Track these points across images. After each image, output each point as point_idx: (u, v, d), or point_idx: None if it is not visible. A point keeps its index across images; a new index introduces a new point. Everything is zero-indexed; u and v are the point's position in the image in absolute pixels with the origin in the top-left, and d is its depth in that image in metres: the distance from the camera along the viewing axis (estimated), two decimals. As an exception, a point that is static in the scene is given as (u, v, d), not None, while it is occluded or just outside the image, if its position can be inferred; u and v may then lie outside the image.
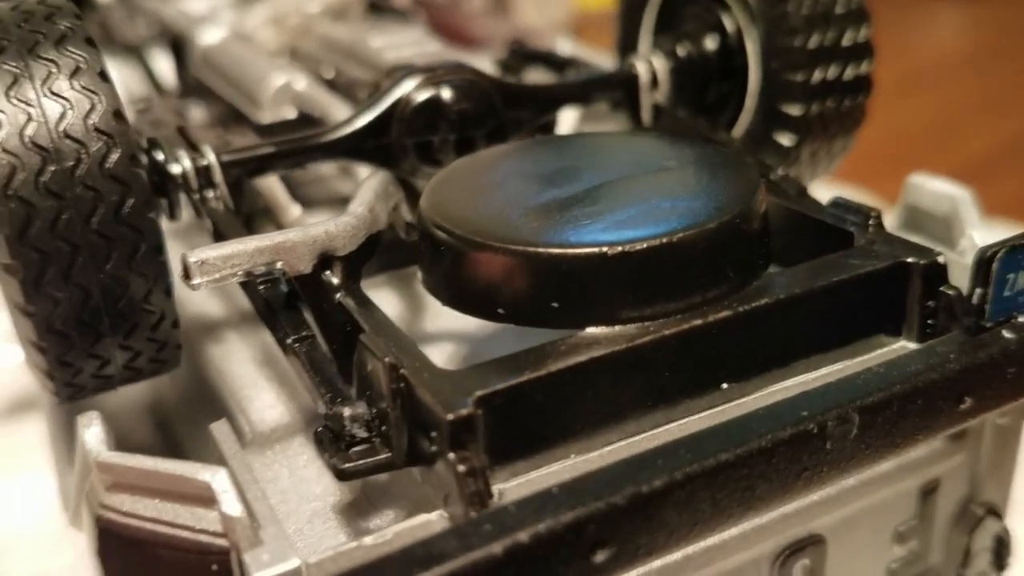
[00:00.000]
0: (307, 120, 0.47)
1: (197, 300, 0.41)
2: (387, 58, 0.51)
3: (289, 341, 0.30)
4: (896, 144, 1.09)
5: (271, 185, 0.39)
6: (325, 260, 0.31)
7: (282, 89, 0.48)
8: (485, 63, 0.49)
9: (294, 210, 0.40)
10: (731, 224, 0.29)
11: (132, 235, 0.30)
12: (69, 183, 0.29)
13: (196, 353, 0.40)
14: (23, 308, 0.29)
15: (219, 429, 0.29)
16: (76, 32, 0.31)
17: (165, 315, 0.32)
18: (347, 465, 0.26)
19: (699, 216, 0.29)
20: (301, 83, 0.48)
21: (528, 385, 0.26)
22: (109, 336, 0.31)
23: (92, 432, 0.28)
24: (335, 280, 0.31)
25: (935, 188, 0.39)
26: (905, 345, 0.31)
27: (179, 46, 0.63)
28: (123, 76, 0.63)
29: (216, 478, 0.25)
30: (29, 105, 0.29)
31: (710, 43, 0.44)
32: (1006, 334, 0.29)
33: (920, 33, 1.50)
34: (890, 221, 0.41)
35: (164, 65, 0.64)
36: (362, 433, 0.27)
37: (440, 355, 0.35)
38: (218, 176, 0.36)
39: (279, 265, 0.30)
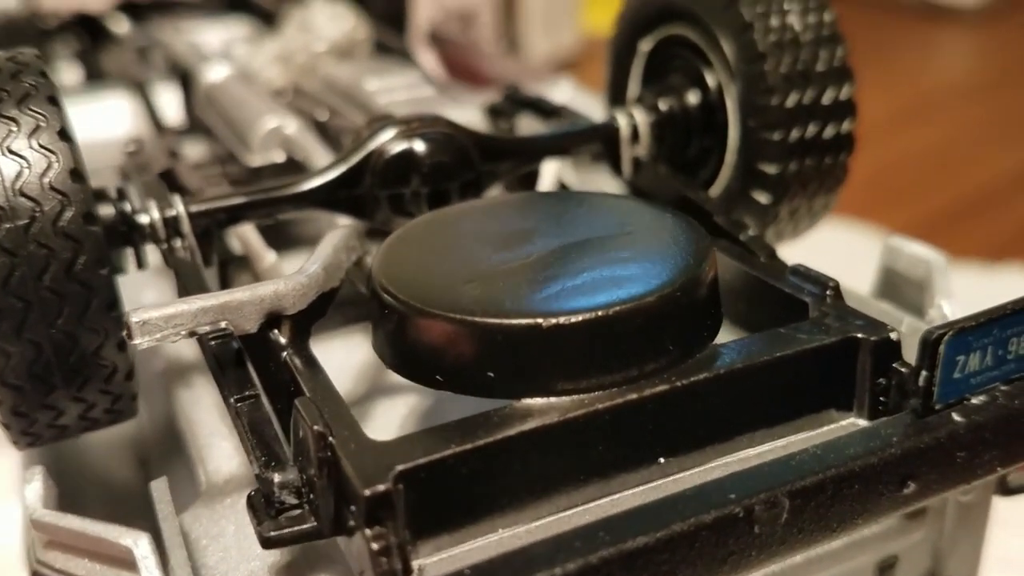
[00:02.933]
0: (293, 165, 0.47)
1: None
2: (379, 102, 0.51)
3: (232, 400, 0.30)
4: (903, 172, 1.08)
5: (245, 233, 0.40)
6: (273, 319, 0.31)
7: (271, 133, 0.48)
8: (473, 111, 0.49)
9: (269, 257, 0.41)
10: (671, 297, 0.28)
11: (83, 292, 0.31)
12: (22, 240, 0.30)
13: (169, 396, 0.40)
14: (-25, 362, 0.30)
15: (157, 487, 0.30)
16: (40, 91, 0.32)
17: (118, 368, 0.32)
18: (273, 533, 0.26)
19: (638, 289, 0.28)
20: (291, 127, 0.49)
21: (454, 459, 0.26)
22: (62, 389, 0.31)
23: (32, 488, 0.28)
24: (282, 339, 0.31)
25: (911, 252, 0.38)
26: (855, 422, 0.30)
27: (187, 82, 0.64)
28: (134, 110, 0.64)
29: (139, 544, 0.26)
30: None
31: (692, 98, 0.43)
32: (956, 417, 0.28)
33: (928, 59, 1.49)
34: (870, 280, 0.40)
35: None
36: (292, 500, 0.27)
37: (391, 418, 0.35)
38: (185, 227, 0.37)
39: (223, 324, 0.30)
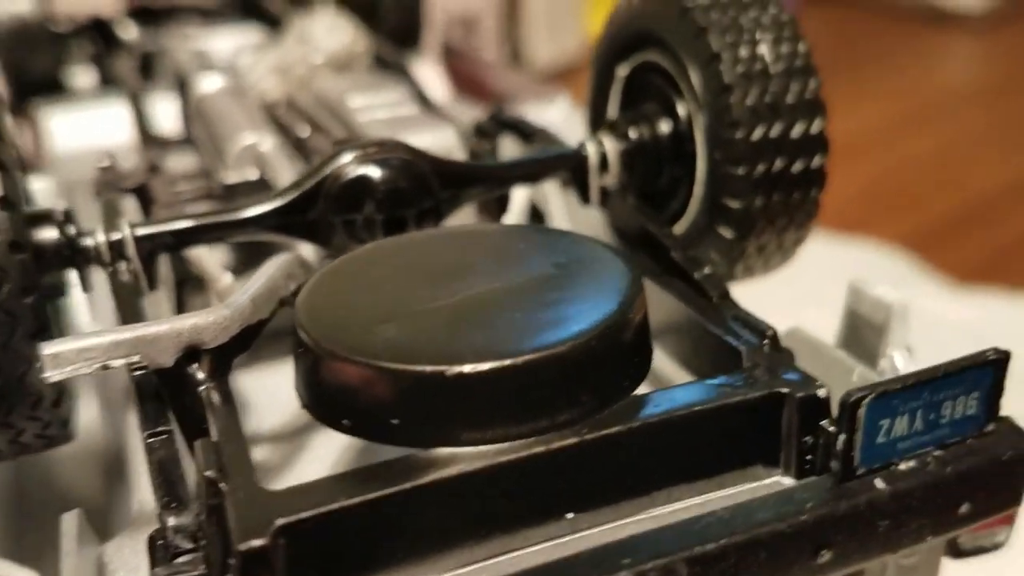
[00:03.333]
0: (266, 184, 0.47)
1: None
2: (359, 120, 0.51)
3: (144, 435, 0.30)
4: (906, 177, 1.06)
5: (200, 255, 0.40)
6: (192, 352, 0.31)
7: (246, 149, 0.48)
8: (450, 133, 0.49)
9: (224, 279, 0.40)
10: (585, 347, 0.28)
11: (7, 320, 0.30)
12: (-57, 268, 0.30)
13: (115, 422, 0.40)
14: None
15: (67, 520, 0.29)
16: None
17: (44, 395, 0.32)
18: None
19: (552, 337, 0.28)
20: (267, 144, 0.48)
21: (344, 512, 0.25)
22: None
23: None
24: (200, 374, 0.31)
25: (874, 296, 0.37)
26: (780, 481, 0.29)
27: (185, 91, 0.64)
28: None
29: (23, 584, 0.25)
30: None
31: (664, 127, 0.42)
32: (879, 483, 0.27)
33: (932, 65, 1.46)
34: (836, 323, 0.39)
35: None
36: (186, 544, 0.27)
37: (312, 461, 0.35)
38: (130, 250, 0.36)
39: (137, 359, 0.30)
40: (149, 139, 0.56)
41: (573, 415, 0.28)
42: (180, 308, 0.40)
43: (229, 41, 0.74)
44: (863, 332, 0.37)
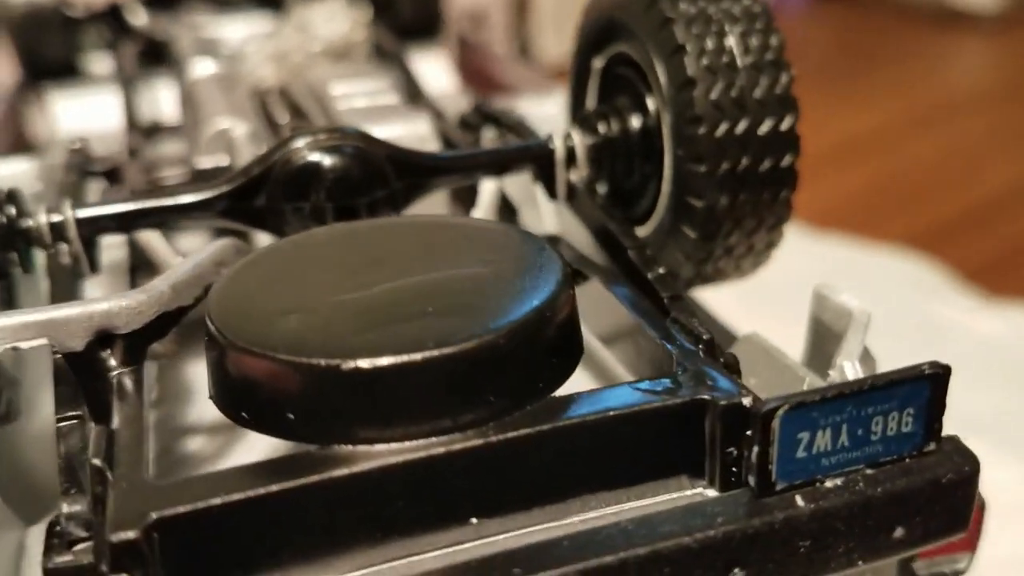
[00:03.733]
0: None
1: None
2: (338, 108, 0.50)
3: (55, 419, 0.29)
4: (913, 179, 1.04)
5: (149, 238, 0.39)
6: (106, 337, 0.30)
7: (216, 136, 0.48)
8: (424, 123, 0.48)
9: (175, 262, 0.40)
10: (493, 345, 0.26)
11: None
12: None
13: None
14: None
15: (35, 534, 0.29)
16: None
17: None
18: (51, 564, 0.25)
19: (461, 333, 0.26)
20: (239, 130, 0.48)
21: (225, 508, 0.24)
22: None
23: None
24: (112, 360, 0.30)
25: (837, 302, 0.35)
26: (703, 492, 0.28)
27: (180, 76, 0.64)
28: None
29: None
30: None
31: (634, 123, 0.41)
32: (799, 501, 0.25)
33: (943, 65, 1.44)
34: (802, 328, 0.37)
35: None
36: (80, 532, 0.26)
37: (224, 455, 0.34)
38: (72, 232, 0.36)
39: (45, 341, 0.29)
40: (135, 124, 0.55)
41: (480, 415, 0.26)
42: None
43: (238, 29, 0.74)
44: (825, 339, 0.35)
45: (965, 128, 1.16)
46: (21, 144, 0.70)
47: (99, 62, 0.82)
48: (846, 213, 0.94)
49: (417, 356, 0.26)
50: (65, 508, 0.26)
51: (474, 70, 0.77)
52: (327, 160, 0.37)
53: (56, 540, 0.26)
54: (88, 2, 0.81)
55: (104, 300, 0.30)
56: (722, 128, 0.36)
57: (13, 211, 0.35)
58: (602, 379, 0.37)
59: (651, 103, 0.40)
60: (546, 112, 0.61)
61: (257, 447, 0.34)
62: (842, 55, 1.51)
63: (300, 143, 0.38)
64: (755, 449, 0.25)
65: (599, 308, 0.35)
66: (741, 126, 0.37)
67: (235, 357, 0.27)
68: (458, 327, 0.27)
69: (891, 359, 0.31)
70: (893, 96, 1.27)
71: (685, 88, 0.37)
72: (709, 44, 0.37)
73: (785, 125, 0.37)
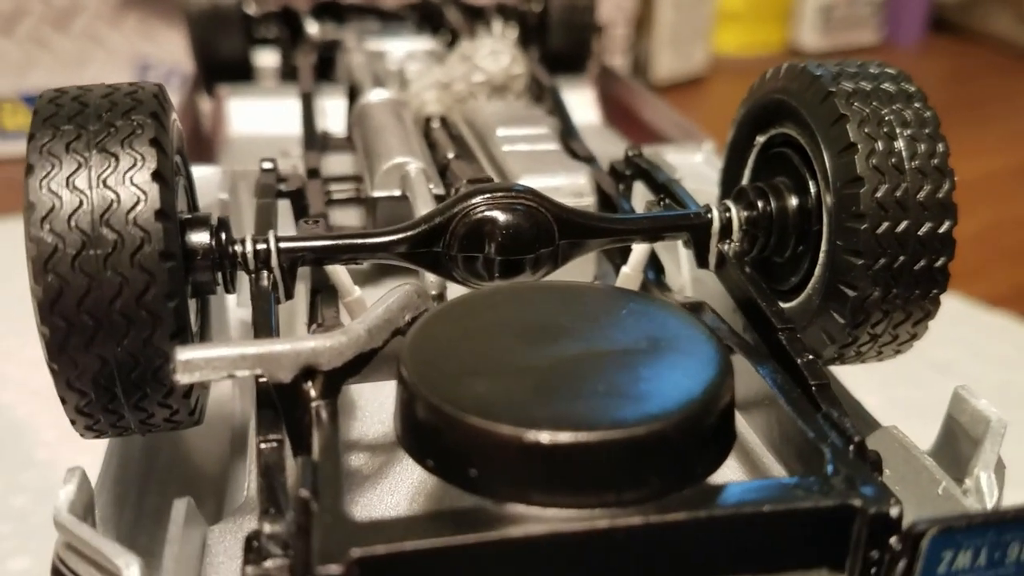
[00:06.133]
0: (407, 202, 0.50)
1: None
2: (502, 150, 0.53)
3: (257, 440, 0.33)
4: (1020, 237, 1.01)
5: (335, 269, 0.42)
6: (309, 371, 0.33)
7: (391, 170, 0.51)
8: (583, 176, 0.50)
9: (354, 292, 0.43)
10: (661, 432, 0.29)
11: (150, 319, 0.34)
12: (101, 267, 0.33)
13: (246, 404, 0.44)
14: (49, 365, 0.34)
15: (177, 507, 0.33)
16: (144, 131, 0.35)
17: (175, 387, 0.35)
18: (253, 573, 0.29)
19: (628, 417, 0.29)
20: (414, 166, 0.51)
21: (415, 554, 0.27)
22: (123, 399, 0.35)
23: (65, 490, 0.32)
24: (313, 392, 0.33)
25: (975, 406, 0.36)
26: (842, 588, 0.30)
27: (352, 94, 0.68)
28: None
29: (129, 567, 0.28)
30: (83, 193, 0.34)
31: (792, 202, 0.43)
32: (932, 611, 0.27)
33: None
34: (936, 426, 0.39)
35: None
36: (277, 551, 0.29)
37: (395, 488, 0.37)
38: (274, 260, 0.40)
39: (258, 371, 0.33)
40: (312, 142, 0.59)
41: (643, 494, 0.29)
42: (312, 315, 0.43)
43: (402, 47, 0.78)
44: (959, 441, 0.37)
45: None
46: (193, 138, 0.75)
47: (267, 57, 0.86)
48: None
49: (593, 436, 0.28)
50: (267, 528, 0.29)
51: (615, 102, 0.79)
52: (501, 217, 0.40)
53: (255, 555, 0.29)
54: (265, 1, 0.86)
55: (311, 339, 0.33)
56: (884, 227, 0.38)
57: (224, 237, 0.39)
58: (740, 452, 0.40)
59: (812, 187, 0.42)
60: (692, 162, 0.63)
61: (419, 486, 0.37)
62: (953, 95, 1.48)
63: (478, 199, 0.41)
64: (902, 562, 0.27)
65: (743, 383, 0.37)
66: (902, 226, 0.38)
67: (429, 411, 0.30)
68: (629, 409, 0.29)
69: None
70: (1005, 142, 1.23)
71: (852, 184, 0.39)
72: (879, 146, 0.39)
73: (944, 228, 0.39)
